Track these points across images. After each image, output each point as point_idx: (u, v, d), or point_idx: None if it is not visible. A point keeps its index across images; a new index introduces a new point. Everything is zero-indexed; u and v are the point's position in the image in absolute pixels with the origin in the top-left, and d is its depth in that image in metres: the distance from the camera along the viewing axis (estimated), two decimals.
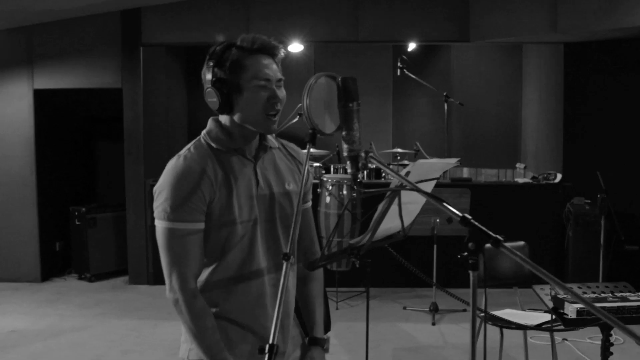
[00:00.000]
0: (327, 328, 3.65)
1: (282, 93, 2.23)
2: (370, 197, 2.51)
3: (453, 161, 2.32)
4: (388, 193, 2.16)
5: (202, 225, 2.18)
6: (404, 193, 2.15)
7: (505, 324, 4.36)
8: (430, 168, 2.25)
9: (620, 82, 7.15)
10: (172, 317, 6.44)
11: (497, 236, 1.81)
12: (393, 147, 8.70)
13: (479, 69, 9.56)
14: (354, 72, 9.27)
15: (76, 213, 7.85)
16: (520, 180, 7.65)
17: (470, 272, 1.87)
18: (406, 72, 8.01)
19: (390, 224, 2.26)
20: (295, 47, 7.78)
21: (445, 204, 1.91)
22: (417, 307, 6.62)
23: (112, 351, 5.59)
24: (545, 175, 7.35)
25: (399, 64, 8.07)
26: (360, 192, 2.11)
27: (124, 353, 5.54)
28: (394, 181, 2.15)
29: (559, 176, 7.26)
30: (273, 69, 2.20)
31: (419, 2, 7.44)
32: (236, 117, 2.22)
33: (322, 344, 2.43)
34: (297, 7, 7.41)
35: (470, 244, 1.86)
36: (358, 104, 2.10)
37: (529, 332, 4.72)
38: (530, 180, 7.46)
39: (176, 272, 2.17)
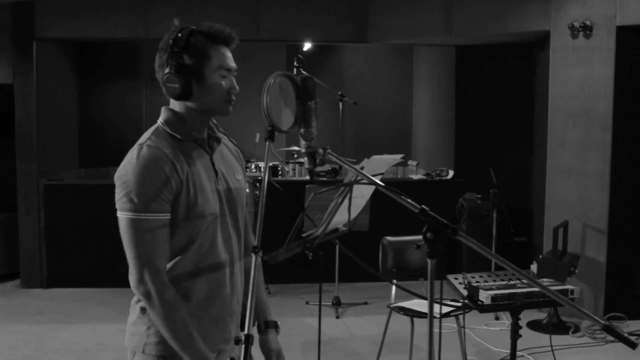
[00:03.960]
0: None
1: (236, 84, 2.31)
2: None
3: (398, 157, 2.46)
4: (342, 188, 2.27)
5: (169, 216, 2.18)
6: (355, 188, 2.27)
7: (415, 314, 4.57)
8: (380, 164, 2.37)
9: (508, 83, 7.57)
10: (73, 321, 6.30)
11: (454, 226, 1.96)
12: (288, 146, 8.81)
13: (372, 68, 9.83)
14: (249, 71, 9.32)
15: None
16: (415, 176, 7.95)
17: (429, 260, 2.01)
18: (302, 72, 8.12)
19: (338, 217, 2.38)
20: None
21: (403, 196, 2.04)
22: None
23: (15, 358, 5.41)
24: (438, 172, 7.68)
25: (295, 63, 8.17)
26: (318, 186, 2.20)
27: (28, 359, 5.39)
28: (349, 176, 2.26)
29: (451, 173, 7.61)
30: (232, 59, 2.28)
31: (319, 2, 7.59)
32: (193, 104, 2.25)
33: (275, 326, 2.51)
34: (196, 5, 7.40)
35: (428, 234, 2.00)
36: (316, 102, 2.20)
37: (434, 321, 4.96)
38: (424, 177, 7.77)
39: (147, 264, 2.16)
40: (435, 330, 5.36)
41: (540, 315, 6.25)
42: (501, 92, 7.60)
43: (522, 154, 7.49)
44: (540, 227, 6.81)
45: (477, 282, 3.78)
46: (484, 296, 3.58)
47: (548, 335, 5.88)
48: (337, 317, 6.37)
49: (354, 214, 2.39)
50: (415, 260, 4.98)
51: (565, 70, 6.33)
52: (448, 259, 7.22)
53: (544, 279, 3.97)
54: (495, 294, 3.56)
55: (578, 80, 6.25)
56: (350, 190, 2.23)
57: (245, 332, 1.88)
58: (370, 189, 2.30)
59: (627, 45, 6.08)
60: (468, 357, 5.16)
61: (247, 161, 7.47)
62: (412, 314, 4.60)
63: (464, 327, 5.87)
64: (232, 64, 2.26)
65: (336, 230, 2.45)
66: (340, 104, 8.13)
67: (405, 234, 5.07)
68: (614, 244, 6.19)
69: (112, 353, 5.46)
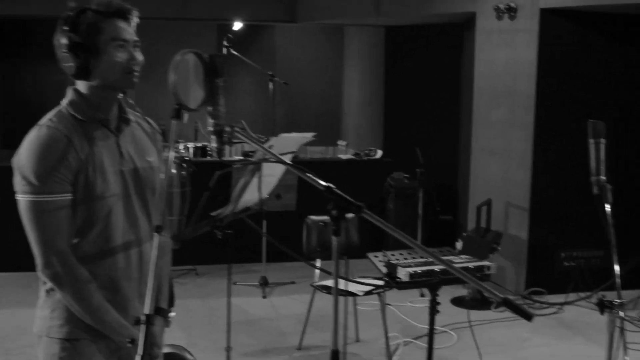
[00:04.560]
0: (171, 303, 3.70)
1: (140, 56, 2.27)
2: (198, 175, 2.60)
3: (309, 135, 2.46)
4: (250, 166, 2.25)
5: (70, 197, 2.15)
6: (265, 166, 2.26)
7: (339, 292, 4.60)
8: (290, 142, 2.37)
9: (436, 64, 7.65)
10: None
11: (359, 203, 1.97)
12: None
13: (303, 49, 9.81)
14: (179, 50, 9.21)
15: None
16: (344, 156, 7.99)
17: (333, 237, 2.02)
18: (232, 51, 8.06)
19: (249, 196, 2.37)
20: None
21: (308, 174, 2.04)
22: (247, 282, 6.75)
23: None
24: (367, 152, 7.73)
25: (224, 43, 8.11)
26: (191, 167, 2.18)
27: None
28: (258, 154, 2.24)
29: (380, 152, 7.67)
30: (129, 31, 2.24)
31: None
32: (95, 81, 2.21)
33: (164, 314, 2.47)
34: None
35: (333, 212, 2.01)
36: (224, 80, 2.18)
37: (357, 299, 5.02)
38: (353, 157, 7.82)
39: (51, 247, 2.13)
40: (359, 307, 5.46)
41: (464, 291, 6.37)
42: (429, 72, 7.68)
43: (449, 134, 7.60)
44: (465, 205, 6.93)
45: (397, 259, 3.83)
46: (403, 273, 3.62)
47: (471, 311, 6.03)
48: (264, 297, 6.37)
49: (265, 193, 2.38)
50: (340, 239, 5.00)
51: (490, 51, 6.43)
52: (377, 236, 7.29)
53: (463, 256, 4.03)
54: (413, 272, 3.61)
55: (502, 61, 6.35)
56: (259, 169, 2.22)
57: (145, 312, 1.86)
58: (282, 167, 2.30)
59: (550, 27, 6.20)
60: (391, 334, 5.24)
61: (176, 141, 7.37)
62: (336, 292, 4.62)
63: (388, 304, 5.98)
64: (128, 35, 2.22)
65: (248, 209, 2.43)
66: (271, 84, 8.10)
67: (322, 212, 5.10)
68: (535, 222, 6.34)
69: (32, 338, 5.34)
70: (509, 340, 5.44)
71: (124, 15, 2.22)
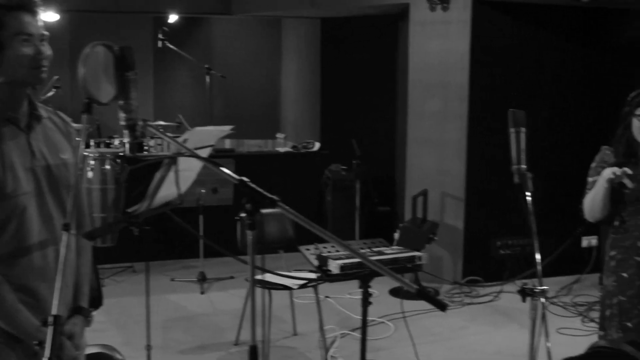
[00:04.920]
0: (98, 303, 3.62)
1: (48, 50, 2.19)
2: (137, 171, 2.54)
3: (227, 128, 2.43)
4: (165, 160, 2.21)
5: None
6: (181, 160, 2.22)
7: (272, 286, 4.59)
8: (207, 135, 2.33)
9: (372, 56, 7.66)
10: None
11: (273, 197, 1.94)
12: (155, 120, 8.61)
13: (240, 41, 9.73)
14: (114, 43, 9.04)
15: None
16: (282, 149, 7.96)
17: (248, 232, 1.99)
18: (167, 44, 7.95)
19: (166, 192, 2.32)
20: (50, 16, 7.39)
21: (222, 168, 2.00)
22: (185, 277, 6.68)
23: None
24: (305, 144, 7.71)
25: (159, 36, 8.00)
26: (125, 166, 2.14)
27: None
28: (172, 148, 2.19)
29: (317, 145, 7.66)
30: (35, 25, 2.16)
31: None
32: (1, 78, 2.14)
33: (85, 314, 2.40)
34: None
35: (247, 205, 1.97)
36: (135, 72, 2.12)
37: (295, 292, 5.00)
38: (291, 149, 7.79)
39: None
40: (297, 300, 5.44)
41: None
42: (366, 64, 7.68)
43: (386, 126, 7.62)
44: (403, 196, 6.96)
45: (328, 252, 3.81)
46: (333, 266, 3.61)
47: (408, 302, 6.05)
48: (202, 293, 6.31)
49: (183, 188, 2.33)
50: (274, 232, 4.99)
51: (424, 42, 6.46)
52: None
53: (395, 247, 4.04)
54: (344, 264, 3.60)
55: (436, 52, 6.39)
56: (175, 163, 2.17)
57: (53, 312, 1.80)
58: (200, 162, 2.25)
59: (483, 18, 6.27)
60: (328, 326, 5.24)
61: (110, 137, 7.23)
62: (270, 286, 4.61)
63: (327, 296, 5.99)
64: (33, 29, 2.15)
65: (168, 204, 2.38)
66: (208, 77, 8.02)
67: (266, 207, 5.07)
68: (471, 211, 6.42)
69: None
70: (445, 329, 5.49)
71: (29, 8, 2.15)
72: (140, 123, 2.12)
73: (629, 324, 3.23)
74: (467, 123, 6.27)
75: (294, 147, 7.84)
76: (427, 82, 6.45)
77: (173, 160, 2.17)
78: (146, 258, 6.98)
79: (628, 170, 3.15)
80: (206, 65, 7.96)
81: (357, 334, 5.24)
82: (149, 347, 4.08)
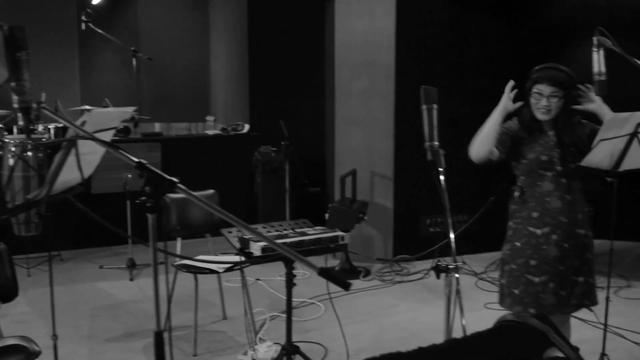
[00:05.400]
0: (13, 294, 3.51)
1: None
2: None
3: (130, 110, 2.35)
4: (64, 144, 2.13)
5: None
6: (82, 143, 2.14)
7: (198, 270, 4.53)
8: (107, 117, 2.25)
9: (300, 35, 7.59)
10: None
11: (172, 178, 1.89)
12: (81, 104, 8.41)
13: (168, 24, 9.55)
14: (37, 26, 8.78)
15: None
16: (211, 132, 7.86)
17: (149, 215, 1.93)
18: (92, 27, 7.76)
19: (69, 176, 2.24)
20: None
21: (121, 151, 1.94)
22: (113, 265, 6.56)
23: None
24: (234, 127, 7.63)
25: (83, 18, 7.80)
26: (36, 145, 2.06)
27: None
28: (70, 132, 2.12)
29: (247, 127, 7.58)
30: None
31: None
32: None
33: None
34: None
35: (147, 188, 1.91)
36: (27, 53, 2.04)
37: (224, 275, 4.95)
38: (220, 132, 7.69)
39: None
40: (227, 284, 5.39)
41: (334, 262, 6.41)
42: (293, 44, 7.62)
43: (315, 106, 7.59)
44: (333, 177, 6.95)
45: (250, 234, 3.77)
46: (255, 248, 3.57)
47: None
48: (131, 280, 6.20)
49: (87, 172, 2.25)
50: (200, 216, 4.92)
51: (349, 21, 6.43)
52: (248, 211, 7.24)
53: (318, 227, 4.01)
54: (265, 246, 3.55)
55: (362, 31, 6.37)
56: (75, 147, 2.09)
57: None
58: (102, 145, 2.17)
59: None
60: (258, 309, 5.21)
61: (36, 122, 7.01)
62: (195, 270, 4.55)
63: (257, 279, 5.96)
64: None
65: (71, 188, 2.30)
66: (134, 59, 7.85)
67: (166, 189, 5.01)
68: (400, 190, 6.44)
69: None
70: (376, 307, 5.51)
71: None
72: (34, 105, 2.03)
73: (516, 291, 3.49)
74: (394, 102, 6.28)
75: (223, 129, 7.74)
76: (353, 61, 6.43)
77: (72, 143, 2.09)
78: (73, 246, 6.89)
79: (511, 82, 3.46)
80: (132, 48, 7.80)
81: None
82: (54, 337, 3.96)
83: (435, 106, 2.77)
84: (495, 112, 3.48)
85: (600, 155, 3.32)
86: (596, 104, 3.45)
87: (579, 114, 3.49)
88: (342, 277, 1.82)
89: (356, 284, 6.04)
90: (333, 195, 6.85)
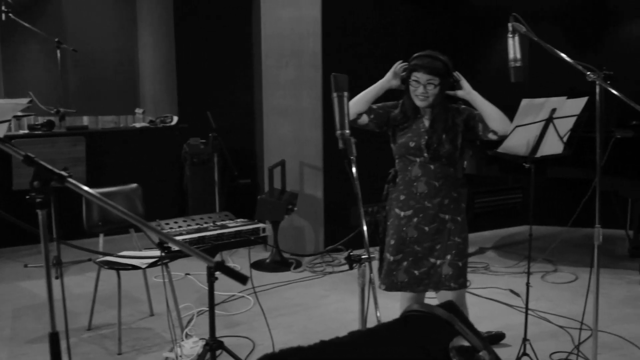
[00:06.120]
0: None
1: None
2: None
3: (24, 101, 2.25)
4: None
5: None
6: None
7: (121, 266, 4.42)
8: (2, 109, 2.15)
9: (227, 25, 7.46)
10: None
11: (61, 172, 1.81)
12: (4, 98, 8.15)
13: (94, 14, 9.30)
14: None
15: None
16: (138, 124, 7.70)
17: (39, 211, 1.84)
18: (12, 17, 7.51)
19: None
20: None
21: (8, 145, 1.85)
22: (39, 263, 6.37)
23: None
24: (163, 119, 7.49)
25: (3, 8, 7.54)
26: None
27: None
28: None
29: (175, 119, 7.45)
30: None
31: None
32: None
33: None
34: None
35: (35, 183, 1.83)
36: None
37: (152, 271, 4.85)
38: (148, 124, 7.54)
39: None
40: (157, 280, 5.28)
41: (265, 254, 6.36)
42: (221, 34, 7.50)
43: (244, 96, 7.50)
44: (263, 168, 6.88)
45: (170, 228, 3.69)
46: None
47: (271, 274, 6.03)
48: (57, 278, 6.01)
49: None
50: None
51: (275, 10, 6.36)
52: (173, 205, 7.13)
53: (240, 220, 3.96)
54: (184, 239, 3.48)
55: (288, 20, 6.31)
56: None
57: None
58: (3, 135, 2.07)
59: None
60: (186, 304, 5.12)
61: None
62: (118, 266, 4.44)
63: (187, 274, 5.86)
64: None
65: None
66: (58, 51, 7.64)
67: (115, 184, 4.91)
68: (329, 180, 6.41)
69: None
70: (306, 299, 5.48)
71: None
72: None
73: (382, 271, 3.71)
74: (321, 91, 6.23)
75: (151, 122, 7.59)
76: (280, 51, 6.36)
77: None
78: None
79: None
80: (56, 39, 7.57)
81: (216, 311, 5.15)
82: None
83: (346, 94, 2.73)
84: (378, 82, 3.59)
85: (516, 142, 3.34)
86: (465, 91, 3.54)
87: (460, 101, 3.58)
88: (237, 271, 1.76)
89: (287, 275, 6.00)
90: (264, 187, 6.79)
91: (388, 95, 3.61)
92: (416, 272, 3.65)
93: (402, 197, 3.63)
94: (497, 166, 5.92)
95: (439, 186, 3.60)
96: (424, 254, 3.65)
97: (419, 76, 3.46)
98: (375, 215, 6.02)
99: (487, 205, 7.35)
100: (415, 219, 3.62)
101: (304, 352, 1.72)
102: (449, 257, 3.63)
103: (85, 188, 1.82)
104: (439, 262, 3.65)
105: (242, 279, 1.77)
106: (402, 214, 3.64)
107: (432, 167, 3.57)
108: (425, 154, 3.54)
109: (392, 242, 3.65)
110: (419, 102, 3.52)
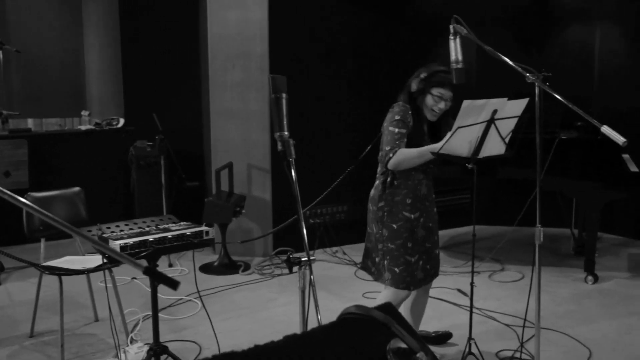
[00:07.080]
0: None
1: None
2: None
3: None
4: None
5: None
6: None
7: (62, 272, 4.33)
8: None
9: (173, 27, 7.40)
10: None
11: None
12: None
13: (38, 15, 9.12)
14: None
15: None
16: (84, 127, 7.57)
17: None
18: None
19: None
20: None
21: None
22: None
23: None
24: (109, 121, 7.38)
25: None
26: None
27: None
28: None
29: (122, 121, 7.34)
30: None
31: None
32: None
33: None
34: None
35: None
36: None
37: (97, 276, 4.77)
38: (94, 127, 7.42)
39: None
40: (101, 284, 5.19)
41: (214, 257, 6.30)
42: (168, 35, 7.42)
43: (191, 98, 7.43)
44: (211, 170, 6.83)
45: (112, 232, 3.62)
46: (114, 246, 3.42)
47: (219, 277, 5.98)
48: (0, 284, 5.90)
49: None
50: (64, 216, 4.71)
51: (222, 12, 6.31)
52: (119, 208, 7.02)
53: (183, 223, 3.90)
54: (124, 244, 3.41)
55: (235, 22, 6.27)
56: None
57: None
58: None
59: None
60: (131, 309, 5.05)
61: None
62: (59, 272, 4.34)
63: (134, 278, 5.78)
64: None
65: None
66: (1, 52, 7.47)
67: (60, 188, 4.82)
68: (277, 182, 6.39)
69: None
70: (254, 302, 5.44)
71: None
72: None
73: (397, 270, 3.75)
74: (269, 93, 6.19)
75: (97, 124, 7.47)
76: (227, 52, 6.32)
77: None
78: None
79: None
80: None
81: (162, 315, 5.09)
82: None
83: (284, 95, 2.70)
84: (425, 152, 3.50)
85: (458, 143, 3.35)
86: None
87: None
88: (167, 276, 1.72)
89: (235, 278, 5.96)
90: (211, 189, 6.73)
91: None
92: (428, 266, 3.84)
93: (408, 201, 3.72)
94: (455, 167, 5.95)
95: (431, 186, 3.85)
96: (432, 248, 3.86)
97: (444, 92, 3.58)
98: (336, 216, 6.06)
99: (436, 206, 7.39)
100: (422, 219, 3.77)
101: (237, 357, 1.69)
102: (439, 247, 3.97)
103: (10, 193, 1.76)
104: (437, 251, 3.92)
105: (172, 284, 1.73)
106: (412, 216, 3.74)
107: (428, 170, 3.78)
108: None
109: (410, 244, 3.73)
110: (431, 116, 3.65)
